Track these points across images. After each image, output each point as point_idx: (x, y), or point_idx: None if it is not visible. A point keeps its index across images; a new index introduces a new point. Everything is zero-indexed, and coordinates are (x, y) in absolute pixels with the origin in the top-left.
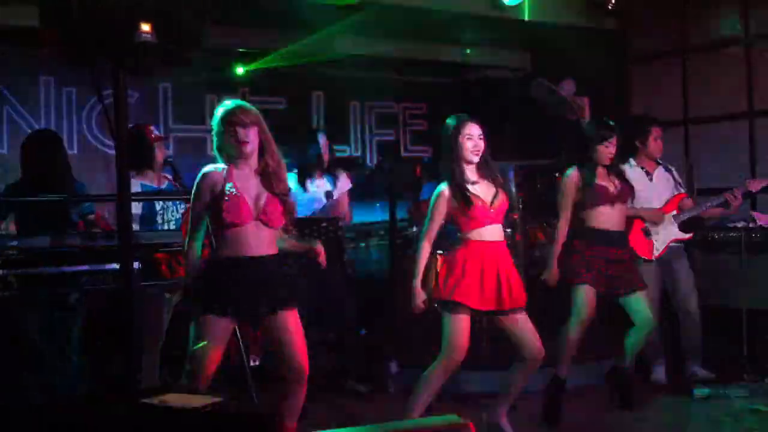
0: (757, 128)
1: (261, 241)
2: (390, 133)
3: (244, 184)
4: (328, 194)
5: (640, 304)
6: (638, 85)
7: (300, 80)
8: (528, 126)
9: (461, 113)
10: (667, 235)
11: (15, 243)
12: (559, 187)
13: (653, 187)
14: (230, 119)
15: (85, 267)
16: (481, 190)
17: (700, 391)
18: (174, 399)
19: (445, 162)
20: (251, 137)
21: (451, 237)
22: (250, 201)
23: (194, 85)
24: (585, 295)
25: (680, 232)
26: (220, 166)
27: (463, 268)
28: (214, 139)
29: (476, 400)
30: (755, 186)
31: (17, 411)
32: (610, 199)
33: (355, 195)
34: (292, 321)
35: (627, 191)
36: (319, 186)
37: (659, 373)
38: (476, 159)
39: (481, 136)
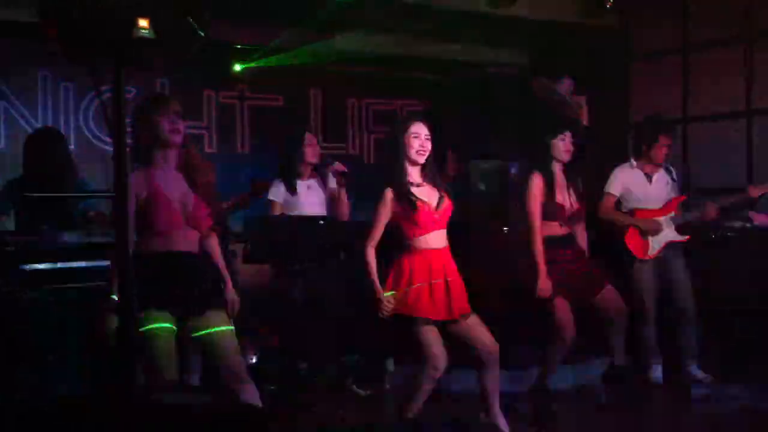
0: (756, 127)
1: (188, 239)
2: (388, 130)
3: (169, 186)
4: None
5: (609, 301)
6: (638, 83)
7: (297, 77)
8: (527, 124)
9: (460, 110)
10: (663, 236)
11: (13, 239)
12: (526, 191)
13: (651, 189)
14: (161, 107)
15: (84, 264)
16: (426, 193)
17: (697, 391)
18: (170, 398)
19: (389, 163)
20: (183, 129)
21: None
22: (178, 206)
23: (192, 82)
24: (560, 309)
25: (677, 234)
26: (139, 169)
27: (410, 279)
28: (133, 132)
29: (473, 399)
30: (755, 192)
31: (14, 410)
32: (564, 217)
33: (352, 193)
34: (219, 318)
35: (581, 210)
36: (310, 186)
37: (656, 372)
38: (422, 160)
39: (428, 136)
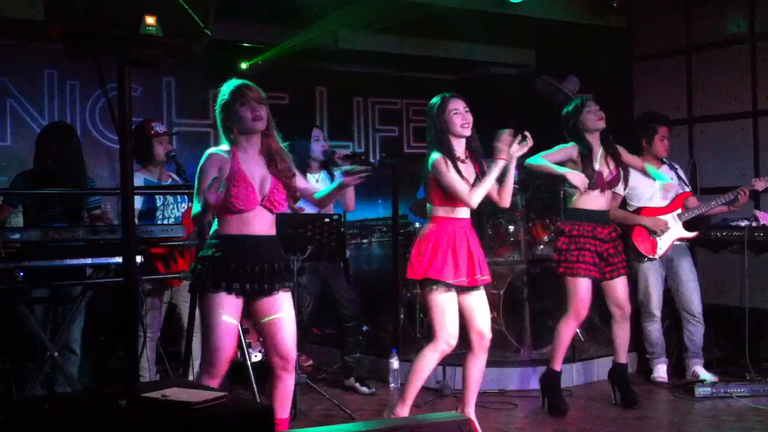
0: (761, 127)
1: (263, 222)
2: (393, 129)
3: (250, 168)
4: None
5: (618, 291)
6: (642, 83)
7: (303, 76)
8: (532, 123)
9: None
10: (671, 233)
11: (18, 236)
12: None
13: (657, 186)
14: (246, 94)
15: (88, 260)
16: (467, 170)
17: (702, 390)
18: (174, 393)
19: (435, 139)
20: (264, 114)
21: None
22: (256, 186)
23: (197, 80)
24: (580, 289)
25: (684, 231)
26: (224, 148)
27: (435, 246)
28: (220, 116)
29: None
30: (761, 185)
31: (16, 405)
32: (603, 185)
33: (357, 191)
34: (287, 304)
35: (618, 177)
36: (319, 181)
37: (661, 371)
38: (467, 132)
39: (467, 109)
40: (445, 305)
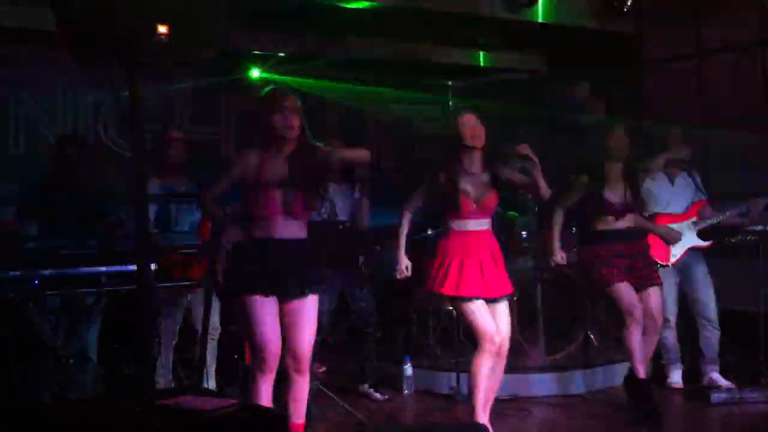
0: None
1: (288, 225)
2: (404, 136)
3: (275, 174)
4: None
5: (650, 302)
6: (652, 88)
7: (315, 82)
8: (542, 129)
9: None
10: (685, 241)
11: (34, 244)
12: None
13: (674, 192)
14: (282, 101)
15: (102, 269)
16: (473, 183)
17: (717, 396)
18: (188, 401)
19: (445, 152)
20: (296, 124)
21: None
22: (279, 194)
23: (210, 88)
24: (623, 293)
25: (699, 240)
26: (256, 151)
27: (444, 259)
28: (254, 121)
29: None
30: None
31: (32, 412)
32: (613, 213)
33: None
34: (311, 307)
35: (632, 203)
36: (340, 190)
37: (676, 377)
38: (478, 144)
39: (479, 122)
40: (475, 309)
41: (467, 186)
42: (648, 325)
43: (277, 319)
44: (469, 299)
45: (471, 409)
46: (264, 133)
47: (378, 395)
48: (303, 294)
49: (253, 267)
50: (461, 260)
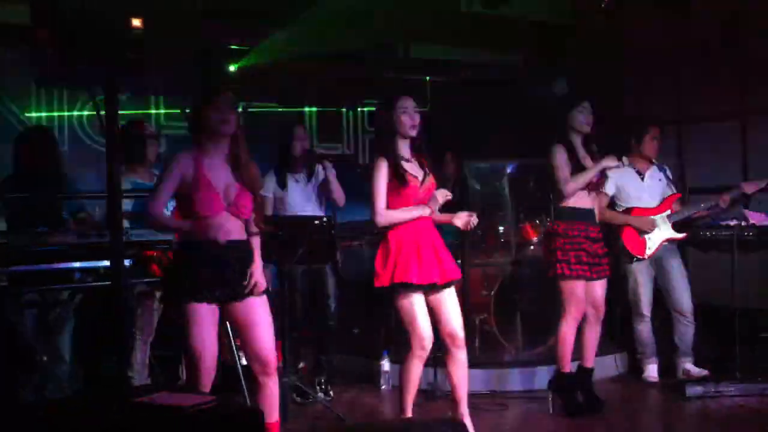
0: (749, 127)
1: (231, 226)
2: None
3: (215, 174)
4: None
5: (598, 292)
6: (631, 84)
7: (292, 77)
8: (522, 125)
9: (456, 111)
10: (660, 234)
11: (4, 240)
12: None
13: (645, 187)
14: (215, 98)
15: (76, 264)
16: (413, 169)
17: (692, 389)
18: (165, 398)
19: (381, 138)
20: (233, 120)
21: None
22: (221, 192)
23: (185, 83)
24: (573, 289)
25: (674, 232)
26: (192, 152)
27: (398, 249)
28: (190, 118)
29: (470, 398)
30: (750, 188)
31: (9, 411)
32: (590, 187)
33: (348, 192)
34: (262, 308)
35: (602, 178)
36: (298, 180)
37: (652, 371)
38: (413, 133)
39: (416, 109)
40: (413, 309)
41: (411, 171)
42: (591, 314)
43: (216, 330)
44: (418, 288)
45: (401, 411)
46: (199, 130)
47: (322, 395)
48: (246, 295)
49: (197, 271)
50: (417, 248)
